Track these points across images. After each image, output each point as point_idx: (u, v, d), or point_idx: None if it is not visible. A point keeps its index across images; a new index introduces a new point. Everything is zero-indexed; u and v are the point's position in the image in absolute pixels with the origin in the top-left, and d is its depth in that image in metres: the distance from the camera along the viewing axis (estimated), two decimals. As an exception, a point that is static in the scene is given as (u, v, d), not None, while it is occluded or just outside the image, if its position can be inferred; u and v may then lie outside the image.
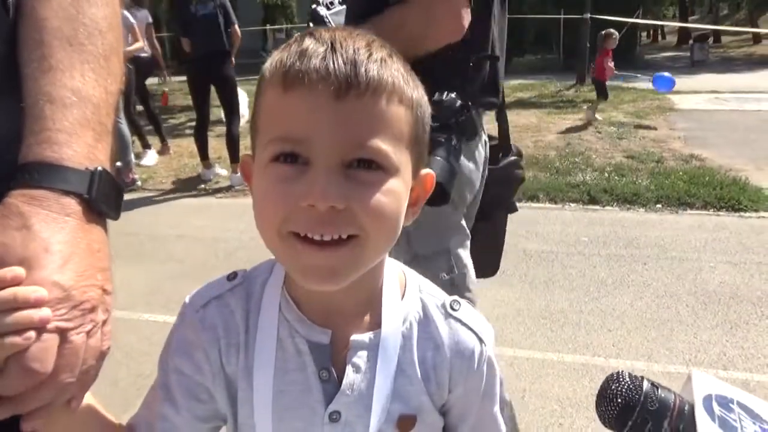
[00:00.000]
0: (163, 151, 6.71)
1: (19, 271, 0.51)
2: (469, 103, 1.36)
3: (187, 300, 0.69)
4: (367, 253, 0.59)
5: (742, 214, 4.35)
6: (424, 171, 0.66)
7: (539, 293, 3.23)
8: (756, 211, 4.39)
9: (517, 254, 3.73)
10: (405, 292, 0.70)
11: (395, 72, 0.58)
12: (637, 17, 14.80)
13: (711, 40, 21.07)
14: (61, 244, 0.54)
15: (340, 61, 0.55)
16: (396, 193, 0.58)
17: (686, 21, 26.08)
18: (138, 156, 6.21)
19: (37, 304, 0.51)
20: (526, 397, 2.31)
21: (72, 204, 0.56)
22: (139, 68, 6.02)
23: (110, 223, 0.62)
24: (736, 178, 4.95)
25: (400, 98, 0.58)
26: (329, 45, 0.56)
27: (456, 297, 0.72)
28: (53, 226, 0.54)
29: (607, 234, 4.04)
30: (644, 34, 26.41)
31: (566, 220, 4.35)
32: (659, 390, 0.62)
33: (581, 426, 2.15)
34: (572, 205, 4.68)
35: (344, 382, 0.65)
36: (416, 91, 0.61)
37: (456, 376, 0.69)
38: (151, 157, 6.40)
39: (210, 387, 0.66)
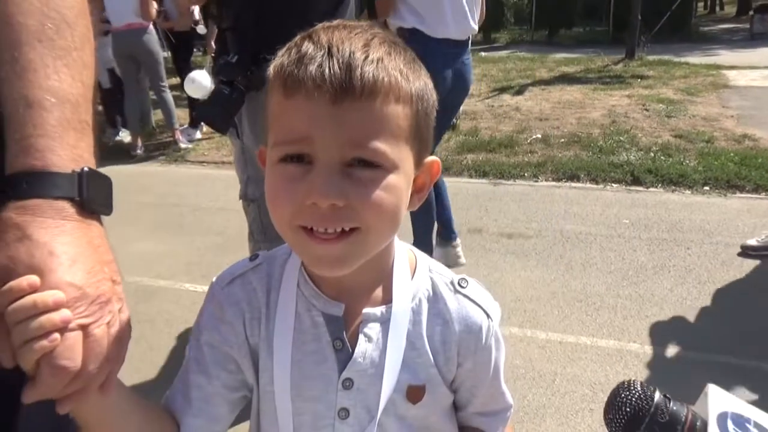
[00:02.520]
0: (195, 127, 6.50)
1: (33, 278, 0.53)
2: (256, 61, 1.78)
3: (214, 280, 0.75)
4: (370, 243, 0.64)
5: (795, 198, 4.15)
6: (429, 159, 0.69)
7: (575, 275, 3.18)
8: (811, 195, 4.18)
9: (553, 235, 3.68)
10: (415, 272, 0.75)
11: (392, 71, 0.60)
12: (694, -13, 14.03)
13: (774, 11, 19.83)
14: (64, 245, 0.56)
15: (336, 66, 0.58)
16: (395, 188, 0.62)
17: (748, -10, 24.61)
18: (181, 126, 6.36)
19: (56, 306, 0.53)
20: (557, 381, 2.31)
21: (66, 207, 0.57)
22: (180, 43, 6.12)
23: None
24: (791, 161, 4.71)
25: (396, 97, 0.61)
26: (326, 50, 0.59)
27: (464, 276, 0.76)
28: (52, 231, 0.56)
29: (650, 216, 3.93)
30: (701, 4, 25.11)
31: (607, 200, 4.25)
32: (671, 402, 0.60)
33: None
34: (614, 185, 4.56)
35: (357, 350, 0.70)
36: (416, 84, 0.63)
37: (464, 351, 0.74)
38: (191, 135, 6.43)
39: (237, 358, 0.73)
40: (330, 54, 0.59)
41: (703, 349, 2.50)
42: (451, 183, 4.60)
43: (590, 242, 3.57)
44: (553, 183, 4.67)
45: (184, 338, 2.66)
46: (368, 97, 0.59)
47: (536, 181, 4.71)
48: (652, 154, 5.07)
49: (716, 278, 3.10)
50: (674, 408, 0.60)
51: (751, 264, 3.23)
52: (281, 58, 0.63)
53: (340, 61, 0.58)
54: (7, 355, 0.54)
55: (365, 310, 0.71)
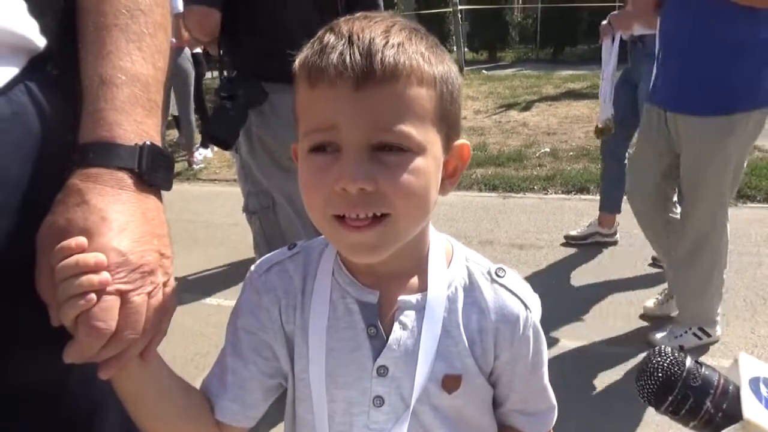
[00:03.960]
0: (206, 147, 6.62)
1: (81, 239, 0.56)
2: (254, 80, 1.88)
3: (252, 268, 0.76)
4: (401, 228, 0.64)
5: (807, 207, 4.14)
6: (458, 142, 0.69)
7: (587, 283, 3.18)
8: (823, 204, 4.16)
9: (565, 245, 3.68)
10: (451, 261, 0.74)
11: (413, 54, 0.61)
12: (698, 3, 14.12)
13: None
14: (117, 213, 0.58)
15: (357, 53, 0.59)
16: (423, 171, 0.62)
17: (751, 7, 24.66)
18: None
19: (96, 268, 0.55)
20: (573, 386, 2.30)
21: (125, 178, 0.61)
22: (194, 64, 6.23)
23: (168, 211, 0.66)
24: (801, 171, 4.70)
25: (419, 79, 0.61)
26: (347, 39, 0.60)
27: (501, 265, 0.75)
28: (108, 199, 0.59)
29: (661, 226, 3.93)
30: (705, 21, 25.18)
31: (618, 212, 4.25)
32: (703, 368, 0.60)
33: (629, 416, 2.13)
34: (624, 196, 4.56)
35: (391, 337, 0.70)
36: (439, 67, 0.64)
37: (501, 342, 0.72)
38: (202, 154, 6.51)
39: (272, 345, 0.72)
40: (351, 42, 0.60)
41: (719, 354, 2.49)
42: (460, 197, 4.64)
43: (602, 252, 3.58)
44: (563, 195, 4.68)
45: (199, 349, 2.68)
46: (390, 80, 0.59)
47: (546, 194, 4.73)
48: (661, 166, 5.08)
49: (730, 285, 3.07)
50: (706, 373, 0.60)
51: (766, 272, 3.22)
52: (305, 51, 0.64)
53: (361, 48, 0.59)
54: (54, 312, 0.57)
55: (401, 298, 0.70)
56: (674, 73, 2.20)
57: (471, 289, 0.73)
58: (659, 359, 0.61)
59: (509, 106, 8.40)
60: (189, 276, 3.49)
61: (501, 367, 0.73)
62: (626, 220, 4.04)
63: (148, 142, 0.63)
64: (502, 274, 0.74)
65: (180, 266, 3.62)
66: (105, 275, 0.55)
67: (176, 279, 0.66)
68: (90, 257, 0.55)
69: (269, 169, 1.96)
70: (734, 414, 0.57)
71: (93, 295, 0.55)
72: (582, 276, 3.29)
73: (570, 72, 11.74)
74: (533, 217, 4.23)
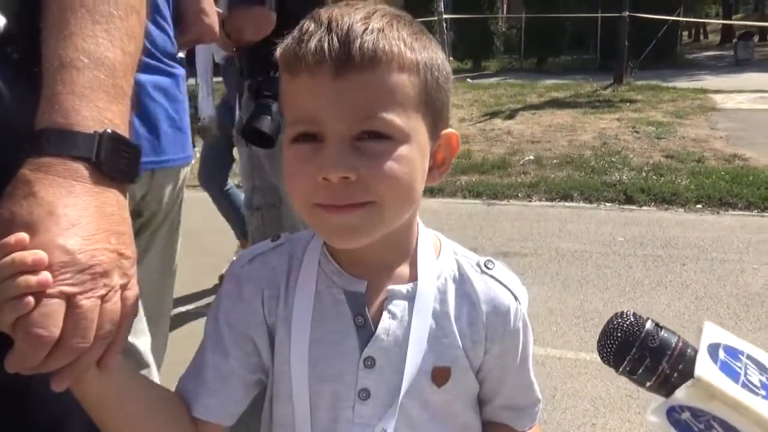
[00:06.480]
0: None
1: (22, 235, 0.50)
2: None
3: (234, 259, 0.74)
4: (386, 216, 0.63)
5: (788, 215, 4.18)
6: (446, 131, 0.68)
7: (572, 292, 3.16)
8: (803, 212, 4.21)
9: (549, 253, 3.67)
10: (440, 253, 0.73)
11: (393, 40, 0.60)
12: (678, 15, 14.44)
13: (756, 38, 20.31)
14: (68, 207, 0.53)
15: (335, 40, 0.58)
16: (407, 159, 0.61)
17: (730, 19, 25.30)
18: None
19: (35, 267, 0.49)
20: (557, 397, 2.27)
21: (80, 168, 0.55)
22: None
23: None
24: (781, 179, 4.76)
25: (400, 66, 0.60)
26: (326, 25, 0.59)
27: (490, 257, 0.74)
28: (59, 191, 0.53)
29: (644, 234, 3.94)
30: (685, 33, 25.69)
31: (601, 219, 4.26)
32: (663, 330, 0.60)
33: (614, 426, 2.09)
34: (608, 204, 4.58)
35: (380, 327, 0.68)
36: (423, 54, 0.63)
37: (492, 334, 0.71)
38: None
39: (254, 338, 0.70)
40: (329, 29, 0.59)
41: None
42: (444, 204, 4.62)
43: (586, 260, 3.57)
44: (547, 203, 4.69)
45: (175, 358, 2.60)
46: (369, 67, 0.58)
47: (530, 201, 4.73)
48: (644, 174, 5.12)
49: (713, 293, 3.09)
50: (665, 335, 0.59)
51: (749, 279, 3.23)
52: (286, 40, 0.63)
53: (339, 34, 0.58)
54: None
55: (390, 287, 0.69)
56: None
57: (461, 281, 0.72)
58: (620, 321, 0.61)
59: (493, 115, 8.44)
60: (167, 284, 3.41)
61: (491, 362, 0.73)
62: (612, 227, 4.05)
63: (108, 130, 0.57)
64: (491, 266, 0.73)
65: (158, 274, 3.53)
66: (45, 275, 0.50)
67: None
68: (27, 255, 0.50)
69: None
70: (690, 375, 0.57)
71: (30, 298, 0.49)
72: (566, 285, 3.27)
73: (553, 81, 11.87)
74: (517, 224, 4.22)
